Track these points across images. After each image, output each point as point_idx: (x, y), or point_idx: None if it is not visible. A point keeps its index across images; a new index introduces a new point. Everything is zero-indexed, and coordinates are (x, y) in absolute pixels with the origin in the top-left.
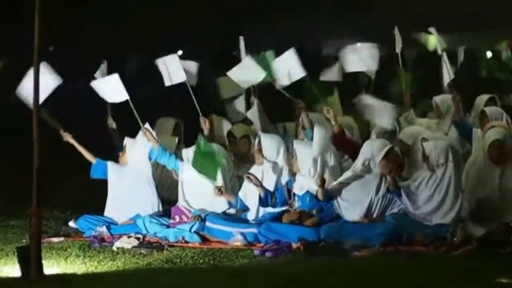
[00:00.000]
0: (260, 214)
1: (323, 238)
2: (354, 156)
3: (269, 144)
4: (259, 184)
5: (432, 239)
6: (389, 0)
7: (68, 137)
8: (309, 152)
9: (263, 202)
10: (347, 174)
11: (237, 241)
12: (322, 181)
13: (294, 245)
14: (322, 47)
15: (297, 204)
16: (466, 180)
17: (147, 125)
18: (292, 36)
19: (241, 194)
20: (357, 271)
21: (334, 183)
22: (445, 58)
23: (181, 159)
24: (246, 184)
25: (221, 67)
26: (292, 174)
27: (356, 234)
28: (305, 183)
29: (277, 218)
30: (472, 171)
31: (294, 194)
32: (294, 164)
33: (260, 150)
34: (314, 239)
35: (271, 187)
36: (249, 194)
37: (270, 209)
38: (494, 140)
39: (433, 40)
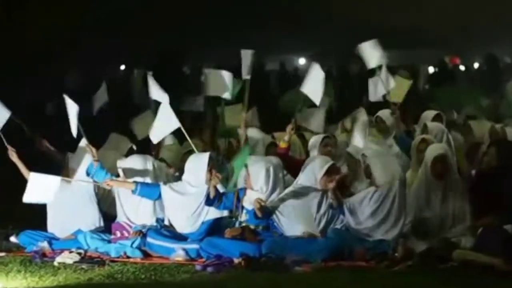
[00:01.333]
0: (198, 223)
1: (264, 253)
2: (294, 172)
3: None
4: (214, 186)
5: (374, 254)
6: (331, 16)
7: (12, 156)
8: (261, 169)
9: (209, 201)
10: (289, 191)
11: (179, 256)
12: (259, 204)
13: (236, 260)
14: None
15: (244, 217)
16: (407, 194)
17: (84, 141)
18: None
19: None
20: (298, 286)
21: (275, 199)
22: (383, 73)
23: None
24: None
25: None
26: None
27: (298, 249)
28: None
29: (215, 228)
30: (413, 186)
31: (243, 207)
32: (247, 180)
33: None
34: (255, 254)
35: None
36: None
37: (207, 217)
38: (438, 155)
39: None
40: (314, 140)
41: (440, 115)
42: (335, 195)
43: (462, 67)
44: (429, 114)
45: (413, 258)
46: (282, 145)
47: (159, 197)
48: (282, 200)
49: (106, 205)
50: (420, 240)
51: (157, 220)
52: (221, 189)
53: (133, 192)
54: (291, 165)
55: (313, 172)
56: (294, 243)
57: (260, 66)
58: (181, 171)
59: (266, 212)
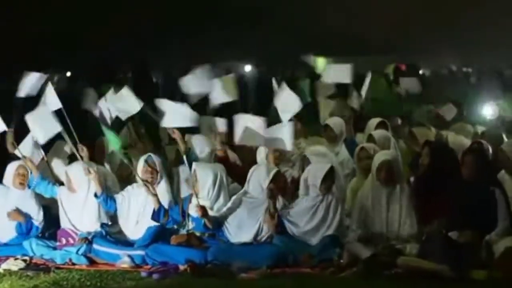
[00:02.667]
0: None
1: (210, 260)
2: (239, 179)
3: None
4: (155, 195)
5: (319, 260)
6: (279, 23)
7: None
8: (209, 174)
9: (155, 216)
10: (235, 199)
11: (124, 263)
12: (203, 211)
13: (181, 267)
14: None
15: (191, 225)
16: (353, 200)
17: (17, 152)
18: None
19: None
20: None
21: (223, 209)
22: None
23: None
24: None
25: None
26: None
27: (243, 256)
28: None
29: (160, 235)
30: (359, 192)
31: (189, 215)
32: (195, 186)
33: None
34: (201, 261)
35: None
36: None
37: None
38: (383, 161)
39: (322, 63)
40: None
41: (385, 122)
42: (273, 203)
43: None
44: (374, 121)
45: (358, 265)
46: (218, 153)
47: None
48: (230, 209)
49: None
50: (365, 246)
51: (102, 225)
52: (167, 199)
53: (96, 196)
54: (235, 171)
55: (258, 181)
56: (239, 250)
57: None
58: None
59: (215, 222)
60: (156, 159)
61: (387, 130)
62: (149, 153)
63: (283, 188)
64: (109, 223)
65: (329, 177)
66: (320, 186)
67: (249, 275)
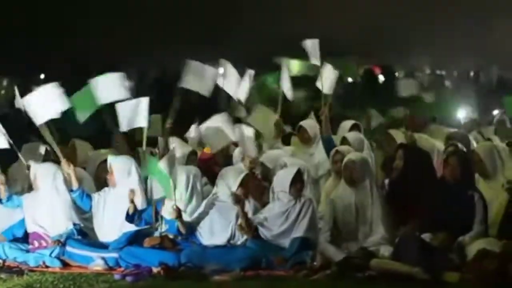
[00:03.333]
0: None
1: (183, 262)
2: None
3: (119, 166)
4: (131, 200)
5: (292, 263)
6: (251, 25)
7: None
8: (182, 175)
9: (129, 218)
10: (206, 202)
11: (98, 265)
12: (178, 212)
13: (155, 270)
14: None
15: (164, 227)
16: (325, 201)
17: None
18: (153, 65)
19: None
20: None
21: (195, 214)
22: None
23: None
24: None
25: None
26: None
27: (217, 258)
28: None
29: (134, 238)
30: (333, 193)
31: (162, 217)
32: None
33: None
34: (174, 263)
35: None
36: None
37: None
38: (348, 161)
39: (295, 65)
40: (237, 150)
41: (358, 125)
42: (241, 208)
43: (382, 77)
44: (347, 124)
45: (331, 267)
46: (207, 150)
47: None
48: (202, 212)
49: None
50: (338, 249)
51: (74, 225)
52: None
53: (73, 192)
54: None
55: (226, 184)
56: (213, 252)
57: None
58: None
59: (189, 227)
60: (118, 161)
61: (360, 132)
62: (112, 156)
63: (255, 191)
64: (81, 224)
65: (298, 180)
66: (290, 190)
67: (222, 278)
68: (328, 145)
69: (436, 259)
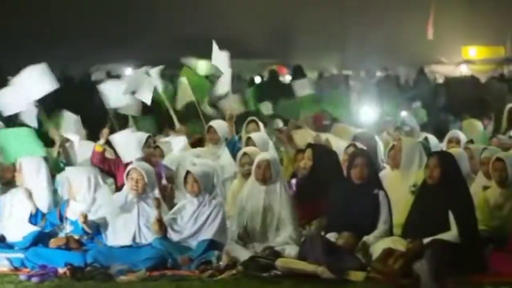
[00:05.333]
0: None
1: (90, 262)
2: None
3: (29, 165)
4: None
5: (198, 263)
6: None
7: None
8: (83, 177)
9: (32, 219)
10: (113, 199)
11: (3, 266)
12: (84, 217)
13: (61, 270)
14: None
15: (69, 228)
16: (233, 203)
17: None
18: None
19: None
20: None
21: (101, 212)
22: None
23: None
24: None
25: None
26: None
27: (122, 258)
28: (79, 209)
29: (40, 238)
30: (240, 193)
31: (67, 218)
32: (69, 190)
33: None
34: (80, 263)
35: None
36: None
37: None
38: (262, 160)
39: (203, 65)
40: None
41: (256, 122)
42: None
43: (289, 77)
44: (248, 122)
45: (237, 267)
46: (98, 148)
47: None
48: (107, 211)
49: None
50: (244, 248)
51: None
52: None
53: None
54: (111, 167)
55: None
56: (119, 252)
57: (86, 75)
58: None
59: (94, 227)
60: (28, 160)
61: (258, 128)
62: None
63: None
64: None
65: (189, 179)
66: (185, 189)
67: (128, 278)
68: (233, 147)
69: (341, 259)
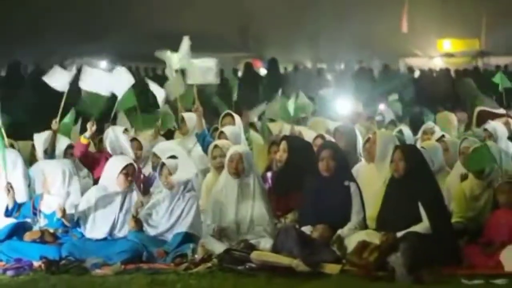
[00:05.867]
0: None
1: (64, 256)
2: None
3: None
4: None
5: (174, 256)
6: (133, 18)
7: None
8: (57, 170)
9: (8, 212)
10: (88, 194)
11: None
12: (63, 213)
13: (36, 264)
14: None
15: (43, 222)
16: (207, 196)
17: None
18: (29, 56)
19: None
20: None
21: (80, 208)
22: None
23: None
24: None
25: None
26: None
27: (97, 251)
28: (53, 202)
29: (15, 231)
30: (214, 187)
31: (40, 211)
32: (44, 183)
33: None
34: (55, 257)
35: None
36: None
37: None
38: (234, 153)
39: (175, 59)
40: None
41: (232, 115)
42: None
43: (264, 70)
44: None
45: (212, 260)
46: (83, 141)
47: None
48: (83, 204)
49: None
50: (219, 241)
51: None
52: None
53: None
54: (93, 161)
55: (110, 171)
56: (94, 245)
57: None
58: None
59: (72, 220)
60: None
61: (233, 121)
62: None
63: (138, 186)
64: None
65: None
66: (160, 181)
67: (103, 271)
68: (203, 141)
69: (316, 251)
